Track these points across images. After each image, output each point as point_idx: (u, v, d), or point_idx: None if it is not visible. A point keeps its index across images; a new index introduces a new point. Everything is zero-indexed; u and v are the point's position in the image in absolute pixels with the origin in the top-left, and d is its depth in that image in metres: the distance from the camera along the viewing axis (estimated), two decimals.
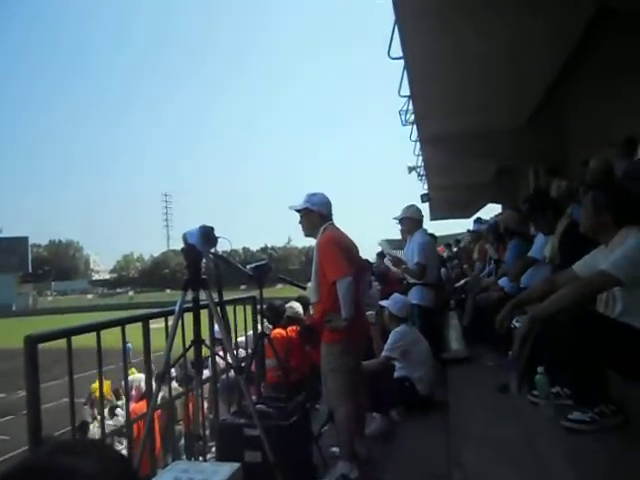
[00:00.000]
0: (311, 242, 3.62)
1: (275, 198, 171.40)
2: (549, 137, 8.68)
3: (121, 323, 2.69)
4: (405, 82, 6.76)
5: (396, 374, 4.30)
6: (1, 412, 19.80)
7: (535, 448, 2.57)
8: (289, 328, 5.48)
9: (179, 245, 2.76)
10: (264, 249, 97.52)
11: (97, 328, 2.53)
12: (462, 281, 7.97)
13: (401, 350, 4.23)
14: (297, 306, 5.77)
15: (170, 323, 2.85)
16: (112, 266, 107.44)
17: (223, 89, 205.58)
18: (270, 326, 5.54)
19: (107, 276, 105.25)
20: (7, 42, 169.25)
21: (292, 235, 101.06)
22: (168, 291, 78.59)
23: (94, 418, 9.57)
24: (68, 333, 2.30)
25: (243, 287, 30.25)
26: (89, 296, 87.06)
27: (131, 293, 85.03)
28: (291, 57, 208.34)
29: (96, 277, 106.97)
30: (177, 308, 2.69)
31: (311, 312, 6.17)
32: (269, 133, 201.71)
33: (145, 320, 2.92)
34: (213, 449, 3.59)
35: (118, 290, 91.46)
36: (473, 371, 4.82)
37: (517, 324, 2.98)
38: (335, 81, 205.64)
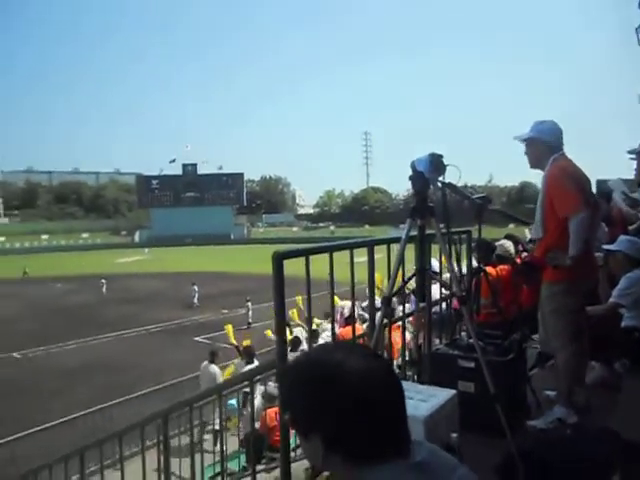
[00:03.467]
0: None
1: (477, 135, 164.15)
2: None
3: (350, 247, 2.87)
4: None
5: (624, 323, 3.92)
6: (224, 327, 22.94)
7: None
8: (499, 267, 5.31)
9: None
10: (464, 187, 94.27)
11: (331, 249, 2.74)
12: None
13: (633, 297, 3.83)
14: (508, 245, 5.53)
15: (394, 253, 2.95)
16: (315, 201, 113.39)
17: (423, 32, 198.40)
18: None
19: (311, 210, 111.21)
20: None
21: (494, 173, 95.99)
22: (367, 227, 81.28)
23: None
24: (307, 252, 2.54)
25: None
26: (294, 229, 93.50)
27: (332, 227, 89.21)
28: None
29: (301, 211, 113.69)
30: (404, 235, 2.77)
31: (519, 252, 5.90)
32: (470, 69, 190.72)
33: (371, 246, 3.09)
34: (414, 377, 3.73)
35: (320, 224, 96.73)
36: None
37: None
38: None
